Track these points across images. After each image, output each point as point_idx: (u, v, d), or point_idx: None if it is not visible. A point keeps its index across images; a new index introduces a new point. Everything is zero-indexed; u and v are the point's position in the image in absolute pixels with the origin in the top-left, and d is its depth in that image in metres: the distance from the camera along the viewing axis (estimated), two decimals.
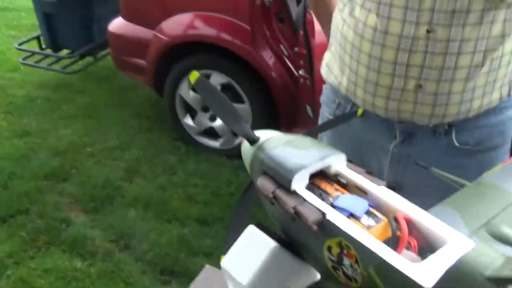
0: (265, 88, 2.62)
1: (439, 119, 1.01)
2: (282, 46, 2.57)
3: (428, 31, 0.91)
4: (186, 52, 2.70)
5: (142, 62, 2.85)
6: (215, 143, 2.87)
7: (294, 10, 2.52)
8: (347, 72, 1.05)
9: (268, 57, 2.54)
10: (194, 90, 2.76)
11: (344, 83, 1.07)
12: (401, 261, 0.45)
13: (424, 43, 0.92)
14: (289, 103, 2.63)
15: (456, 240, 0.47)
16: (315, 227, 0.50)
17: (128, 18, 2.88)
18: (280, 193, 0.54)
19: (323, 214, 0.50)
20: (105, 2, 3.41)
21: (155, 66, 2.78)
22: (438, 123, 1.01)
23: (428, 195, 0.68)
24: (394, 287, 0.46)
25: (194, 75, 0.52)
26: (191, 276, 2.00)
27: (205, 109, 2.81)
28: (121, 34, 2.92)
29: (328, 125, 1.05)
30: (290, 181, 0.53)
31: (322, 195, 0.54)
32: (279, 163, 0.55)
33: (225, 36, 2.57)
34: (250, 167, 0.60)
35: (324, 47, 1.22)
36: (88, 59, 3.59)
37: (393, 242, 0.49)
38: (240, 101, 2.68)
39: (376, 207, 0.53)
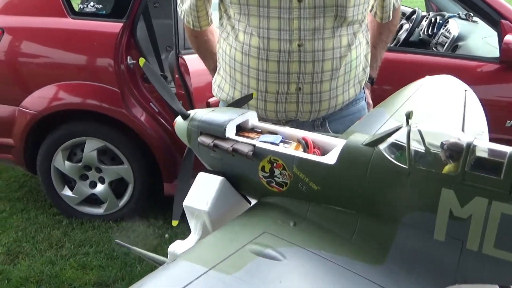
0: (143, 147, 2.74)
1: (316, 114, 1.30)
2: (152, 104, 2.75)
3: (299, 45, 1.22)
4: (56, 123, 2.71)
5: (6, 140, 2.77)
6: (98, 210, 2.85)
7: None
8: (239, 86, 1.29)
9: (140, 115, 2.69)
10: (69, 160, 2.76)
11: (237, 96, 1.31)
12: (312, 156, 0.68)
13: (298, 54, 1.22)
14: (167, 156, 2.77)
15: (338, 142, 0.72)
16: (250, 154, 0.70)
17: None
18: (218, 141, 0.73)
19: (253, 145, 0.71)
20: None
21: (24, 143, 2.72)
22: (315, 118, 1.31)
23: None
24: (311, 175, 0.67)
25: (142, 60, 0.70)
26: None
27: (83, 177, 2.80)
28: None
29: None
30: (224, 131, 0.73)
31: (248, 138, 0.75)
32: (212, 122, 0.75)
33: (93, 101, 2.67)
34: (187, 136, 0.78)
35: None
36: None
37: (304, 150, 0.71)
38: (119, 163, 2.75)
39: (286, 139, 0.76)
